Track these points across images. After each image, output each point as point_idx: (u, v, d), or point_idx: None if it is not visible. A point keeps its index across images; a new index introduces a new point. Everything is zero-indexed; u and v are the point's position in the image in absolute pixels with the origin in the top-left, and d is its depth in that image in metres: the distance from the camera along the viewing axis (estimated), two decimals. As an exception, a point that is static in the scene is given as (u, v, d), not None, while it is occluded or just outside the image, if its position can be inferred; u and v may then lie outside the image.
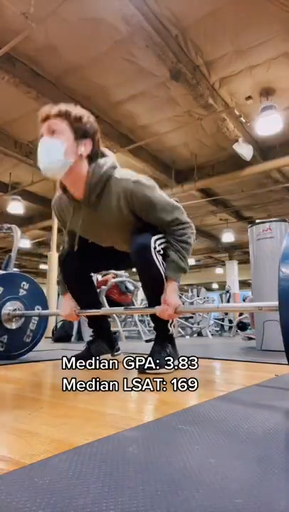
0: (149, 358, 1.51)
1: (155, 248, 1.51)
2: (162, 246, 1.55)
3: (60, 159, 1.40)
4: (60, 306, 1.87)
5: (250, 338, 7.74)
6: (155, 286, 1.53)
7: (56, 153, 1.40)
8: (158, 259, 1.51)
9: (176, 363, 1.56)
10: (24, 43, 4.24)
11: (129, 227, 1.57)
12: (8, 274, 2.19)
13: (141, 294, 9.65)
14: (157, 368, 1.47)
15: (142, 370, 1.47)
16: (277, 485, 0.45)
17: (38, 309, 2.12)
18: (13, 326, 2.01)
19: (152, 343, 1.66)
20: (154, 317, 1.60)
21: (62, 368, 1.61)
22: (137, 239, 1.54)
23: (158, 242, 1.54)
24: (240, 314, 7.85)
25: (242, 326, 7.32)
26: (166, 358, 1.53)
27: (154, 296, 1.54)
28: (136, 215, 1.54)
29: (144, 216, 1.53)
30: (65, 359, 1.58)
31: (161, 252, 1.54)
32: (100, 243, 1.75)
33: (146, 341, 1.73)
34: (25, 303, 2.06)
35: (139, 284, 7.01)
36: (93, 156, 1.51)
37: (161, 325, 1.63)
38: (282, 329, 0.97)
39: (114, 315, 4.71)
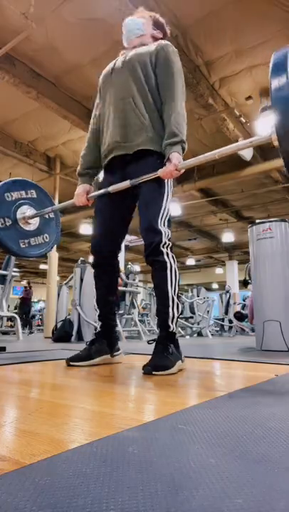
0: (151, 359, 1.52)
1: (165, 243, 1.64)
2: (168, 227, 1.68)
3: (138, 25, 1.92)
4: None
5: (242, 330, 7.78)
6: (162, 282, 1.64)
7: (137, 22, 1.93)
8: (168, 256, 1.65)
9: (179, 363, 1.56)
10: (24, 43, 4.25)
11: (142, 71, 1.76)
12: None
13: (141, 295, 9.64)
14: (159, 368, 1.47)
15: (145, 371, 1.47)
16: (277, 485, 0.45)
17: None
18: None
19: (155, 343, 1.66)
20: (157, 312, 1.70)
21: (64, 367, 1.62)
22: (148, 236, 1.66)
23: (165, 222, 1.66)
24: (242, 308, 7.89)
25: (239, 317, 7.39)
26: (169, 358, 1.53)
27: (161, 292, 1.65)
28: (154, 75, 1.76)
29: (158, 65, 1.76)
30: (64, 360, 1.58)
31: (171, 245, 1.67)
32: (117, 97, 1.80)
33: (149, 342, 1.73)
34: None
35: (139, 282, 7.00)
36: None
37: (162, 319, 1.64)
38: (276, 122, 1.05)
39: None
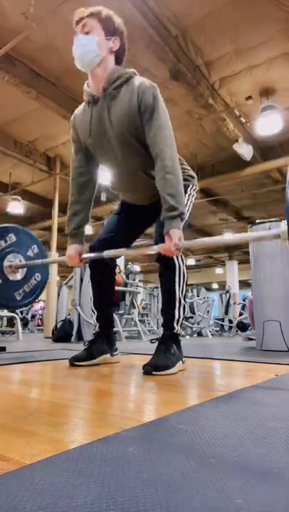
0: (153, 359, 1.52)
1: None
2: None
3: (93, 50, 1.56)
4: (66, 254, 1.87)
5: (250, 339, 7.74)
6: (168, 284, 1.65)
7: (90, 46, 1.56)
8: (177, 257, 1.64)
9: (179, 364, 1.56)
10: (24, 43, 4.24)
11: (135, 138, 1.60)
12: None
13: (141, 295, 9.65)
14: (160, 368, 1.47)
15: (145, 370, 1.47)
16: (277, 485, 0.45)
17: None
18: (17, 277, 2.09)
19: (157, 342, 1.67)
20: (162, 312, 1.70)
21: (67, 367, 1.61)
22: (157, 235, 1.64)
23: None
24: (240, 314, 7.87)
25: (242, 327, 7.34)
26: (170, 359, 1.53)
27: (167, 297, 1.65)
28: (141, 123, 1.58)
29: (143, 120, 1.57)
30: (64, 360, 1.58)
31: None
32: (107, 155, 1.71)
33: (152, 341, 1.73)
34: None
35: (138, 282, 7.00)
36: (120, 56, 1.67)
37: (167, 320, 1.65)
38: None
39: (114, 316, 4.72)
